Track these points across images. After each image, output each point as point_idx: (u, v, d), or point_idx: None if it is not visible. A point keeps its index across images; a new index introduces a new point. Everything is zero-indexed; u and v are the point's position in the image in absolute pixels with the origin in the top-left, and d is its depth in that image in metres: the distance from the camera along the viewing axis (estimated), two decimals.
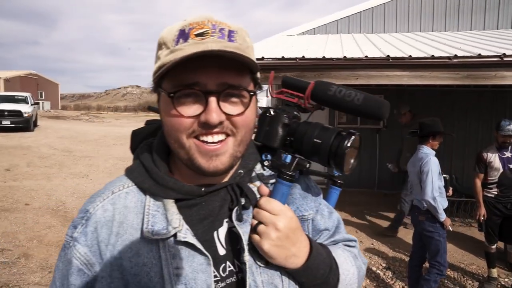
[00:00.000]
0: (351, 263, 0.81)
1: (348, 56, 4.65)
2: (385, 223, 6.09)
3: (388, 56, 4.51)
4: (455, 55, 4.35)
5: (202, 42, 0.62)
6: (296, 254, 0.69)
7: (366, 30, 8.80)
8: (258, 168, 0.81)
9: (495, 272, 4.08)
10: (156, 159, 0.73)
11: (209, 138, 0.65)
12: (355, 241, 0.91)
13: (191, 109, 0.64)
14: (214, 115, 0.62)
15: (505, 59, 4.15)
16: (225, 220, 0.73)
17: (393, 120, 7.73)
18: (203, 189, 0.70)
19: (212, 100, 0.63)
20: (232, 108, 0.66)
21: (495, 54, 4.30)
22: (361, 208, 6.84)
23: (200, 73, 0.62)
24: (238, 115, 0.66)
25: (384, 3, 8.63)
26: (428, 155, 3.41)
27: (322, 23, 8.92)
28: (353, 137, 0.71)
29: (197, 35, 0.63)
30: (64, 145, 14.18)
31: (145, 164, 0.73)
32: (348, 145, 0.70)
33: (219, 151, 0.66)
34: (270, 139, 0.76)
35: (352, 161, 0.74)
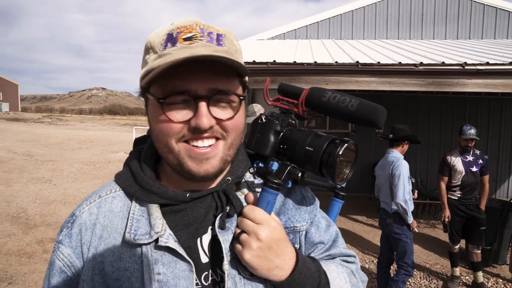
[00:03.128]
0: (344, 280, 0.76)
1: (319, 61, 4.72)
2: (355, 225, 6.21)
3: (357, 62, 4.61)
4: (421, 62, 4.51)
5: (191, 47, 0.62)
6: (280, 266, 0.66)
7: (334, 36, 9.01)
8: (248, 176, 0.79)
9: (457, 271, 4.24)
10: (143, 164, 0.73)
11: (199, 143, 0.65)
12: (354, 256, 0.87)
13: (180, 114, 0.63)
14: (205, 120, 0.62)
15: (466, 67, 4.35)
16: (210, 227, 0.71)
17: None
18: (187, 194, 0.69)
19: (202, 105, 0.62)
20: (222, 112, 0.66)
21: (457, 62, 4.50)
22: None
23: (190, 78, 0.62)
24: (228, 119, 0.66)
25: (352, 11, 8.90)
26: (399, 159, 3.47)
27: (292, 28, 9.07)
28: (346, 144, 0.67)
29: (185, 39, 0.63)
30: (24, 148, 13.54)
31: (132, 169, 0.73)
32: (340, 153, 0.66)
33: (210, 155, 0.66)
34: (261, 146, 0.73)
35: (347, 171, 0.70)
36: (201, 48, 0.62)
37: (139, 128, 18.01)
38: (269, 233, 0.66)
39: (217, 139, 0.67)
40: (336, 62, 4.67)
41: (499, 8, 8.60)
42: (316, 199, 0.85)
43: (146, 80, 0.62)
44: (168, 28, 0.65)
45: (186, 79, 0.62)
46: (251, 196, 0.72)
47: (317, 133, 0.71)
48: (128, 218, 0.68)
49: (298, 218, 0.78)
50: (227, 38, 0.67)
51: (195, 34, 0.63)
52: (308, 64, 4.58)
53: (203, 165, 0.65)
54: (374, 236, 5.58)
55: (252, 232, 0.65)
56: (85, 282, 0.66)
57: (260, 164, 0.74)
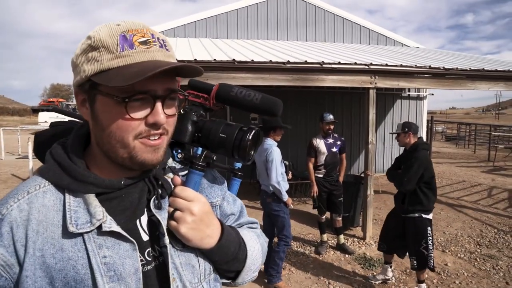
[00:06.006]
0: (255, 241, 0.91)
1: (198, 59, 4.98)
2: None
3: (233, 60, 5.03)
4: (288, 61, 5.17)
5: (148, 51, 0.67)
6: (210, 235, 0.76)
7: (211, 35, 9.42)
8: (170, 162, 0.85)
9: (325, 237, 5.03)
10: (72, 157, 0.73)
11: (151, 137, 0.71)
12: (256, 223, 1.02)
13: (140, 113, 0.68)
14: (162, 116, 0.69)
15: (324, 66, 5.17)
16: (145, 209, 0.77)
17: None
18: (122, 182, 0.73)
19: (159, 104, 0.69)
20: (169, 110, 0.72)
21: (317, 61, 5.30)
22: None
23: (151, 80, 0.65)
24: (174, 115, 0.74)
25: (227, 12, 9.48)
26: (272, 146, 3.88)
27: (170, 26, 9.18)
28: (253, 131, 0.80)
29: (141, 43, 0.67)
30: None
31: (61, 163, 0.73)
32: (250, 138, 0.79)
33: (159, 146, 0.72)
34: (181, 135, 0.81)
35: (251, 152, 0.82)
36: (157, 53, 0.68)
37: (6, 129, 15.73)
38: (201, 207, 0.75)
39: (162, 134, 0.72)
40: (215, 59, 5.00)
41: (345, 18, 10.28)
42: (224, 178, 0.96)
43: (118, 81, 0.62)
44: (118, 29, 0.67)
45: (147, 80, 0.63)
46: (178, 179, 0.79)
47: (227, 123, 0.82)
48: (64, 210, 0.69)
49: (214, 195, 0.89)
50: (168, 42, 0.73)
51: (148, 39, 0.68)
52: (189, 61, 4.81)
53: (155, 155, 0.71)
54: (257, 215, 6.10)
55: (186, 208, 0.73)
56: (28, 277, 0.65)
57: (179, 151, 0.82)
